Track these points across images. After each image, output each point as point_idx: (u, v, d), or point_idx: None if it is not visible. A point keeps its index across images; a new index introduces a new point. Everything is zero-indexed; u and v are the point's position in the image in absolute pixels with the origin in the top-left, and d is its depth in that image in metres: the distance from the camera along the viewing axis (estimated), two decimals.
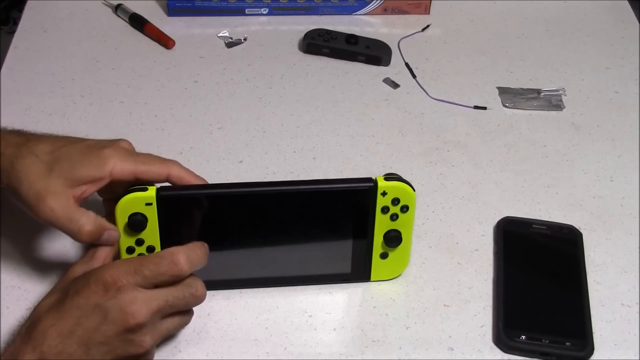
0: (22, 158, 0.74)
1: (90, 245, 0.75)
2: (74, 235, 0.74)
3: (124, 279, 0.67)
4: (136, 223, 0.75)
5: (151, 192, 0.74)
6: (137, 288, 0.68)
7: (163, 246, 0.76)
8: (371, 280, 0.82)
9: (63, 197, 0.73)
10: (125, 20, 1.15)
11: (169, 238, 0.76)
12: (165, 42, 1.11)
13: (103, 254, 0.74)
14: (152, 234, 0.76)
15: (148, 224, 0.75)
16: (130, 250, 0.76)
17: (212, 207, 0.76)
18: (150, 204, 0.74)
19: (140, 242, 0.76)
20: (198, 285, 0.71)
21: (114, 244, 0.75)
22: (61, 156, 0.74)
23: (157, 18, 1.15)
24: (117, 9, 1.16)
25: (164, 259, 0.69)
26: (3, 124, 0.96)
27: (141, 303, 0.67)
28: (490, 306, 0.81)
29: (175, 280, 0.70)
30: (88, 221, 0.73)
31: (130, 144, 0.78)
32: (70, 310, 0.67)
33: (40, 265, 0.83)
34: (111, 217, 0.75)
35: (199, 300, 0.71)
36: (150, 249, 0.77)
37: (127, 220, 0.75)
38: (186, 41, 1.13)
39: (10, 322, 0.77)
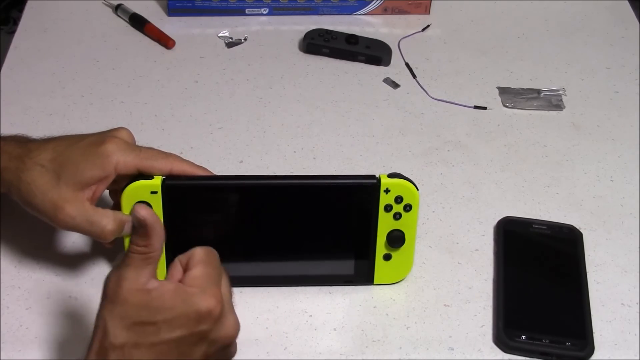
0: (27, 170, 0.74)
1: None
2: (98, 236, 0.75)
3: (219, 304, 0.64)
4: None
5: (157, 180, 0.75)
6: (225, 302, 0.65)
7: (166, 237, 0.76)
8: (374, 283, 0.82)
9: (78, 202, 0.74)
10: (125, 20, 1.15)
11: (173, 229, 0.76)
12: (166, 42, 1.11)
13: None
14: None
15: None
16: None
17: (216, 199, 0.77)
18: (156, 192, 0.75)
19: None
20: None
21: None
22: (64, 161, 0.74)
23: (157, 18, 1.15)
24: (117, 9, 1.16)
25: (210, 253, 0.67)
26: (3, 124, 0.97)
27: (234, 316, 0.66)
28: (490, 306, 0.81)
29: None
30: (109, 221, 0.74)
31: (129, 133, 0.78)
32: (169, 344, 0.62)
33: (40, 265, 0.83)
34: (118, 208, 0.76)
35: None
36: None
37: (132, 208, 0.75)
38: (186, 41, 1.12)
39: (10, 322, 0.77)
